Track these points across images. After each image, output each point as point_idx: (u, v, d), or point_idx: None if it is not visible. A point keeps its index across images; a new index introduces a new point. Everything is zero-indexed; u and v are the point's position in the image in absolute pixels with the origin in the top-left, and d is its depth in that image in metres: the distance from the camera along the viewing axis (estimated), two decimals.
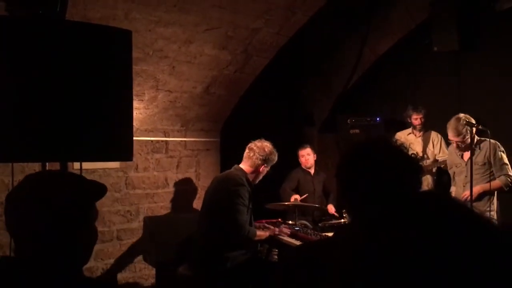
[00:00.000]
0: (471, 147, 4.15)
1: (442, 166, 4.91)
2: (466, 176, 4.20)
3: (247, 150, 3.78)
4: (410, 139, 5.08)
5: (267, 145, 3.74)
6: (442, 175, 5.05)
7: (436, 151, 5.07)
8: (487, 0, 4.41)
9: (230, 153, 4.46)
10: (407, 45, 5.30)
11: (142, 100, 4.53)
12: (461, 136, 4.09)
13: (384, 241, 0.62)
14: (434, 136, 5.12)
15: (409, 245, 0.60)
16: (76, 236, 1.33)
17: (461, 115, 4.11)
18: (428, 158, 5.08)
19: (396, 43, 5.32)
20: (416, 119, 5.11)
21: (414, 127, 5.17)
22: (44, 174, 1.41)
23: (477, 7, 4.53)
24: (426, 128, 5.16)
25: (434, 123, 5.14)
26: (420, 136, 5.15)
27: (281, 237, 3.84)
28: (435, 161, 4.99)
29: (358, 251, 0.64)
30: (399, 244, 0.61)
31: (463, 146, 4.18)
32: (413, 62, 5.51)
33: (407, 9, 5.09)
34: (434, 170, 5.06)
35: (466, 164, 4.24)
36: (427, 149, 5.09)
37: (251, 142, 3.80)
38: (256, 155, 3.70)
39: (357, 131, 5.59)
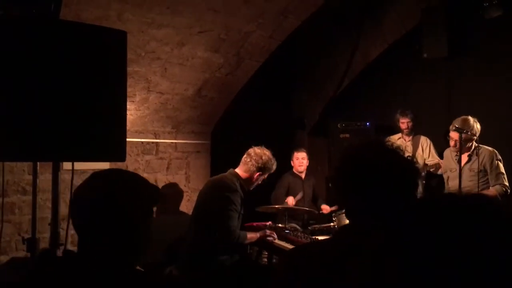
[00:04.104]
0: (467, 153, 4.16)
1: (432, 170, 4.95)
2: (460, 182, 4.21)
3: (245, 155, 3.68)
4: (400, 143, 5.12)
5: (265, 153, 3.64)
6: (432, 179, 5.10)
7: (426, 155, 5.11)
8: (477, 8, 4.48)
9: (221, 156, 4.46)
10: (397, 51, 5.35)
11: (133, 101, 4.52)
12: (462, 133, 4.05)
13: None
14: (423, 140, 5.16)
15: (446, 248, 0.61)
16: (137, 235, 1.40)
17: (471, 118, 4.13)
18: (417, 162, 5.10)
19: (387, 49, 5.37)
20: (403, 123, 5.16)
21: (402, 132, 5.22)
22: (111, 173, 1.47)
23: (467, 15, 4.60)
24: (415, 132, 5.21)
25: (424, 128, 5.18)
26: (409, 140, 5.19)
27: (271, 240, 3.84)
28: (425, 165, 5.03)
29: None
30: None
31: (457, 146, 4.13)
32: (403, 68, 5.56)
33: (398, 15, 5.15)
34: (423, 174, 5.10)
35: (461, 170, 4.25)
36: (417, 153, 5.12)
37: (252, 147, 3.68)
38: (252, 161, 3.61)
39: (347, 135, 5.63)
